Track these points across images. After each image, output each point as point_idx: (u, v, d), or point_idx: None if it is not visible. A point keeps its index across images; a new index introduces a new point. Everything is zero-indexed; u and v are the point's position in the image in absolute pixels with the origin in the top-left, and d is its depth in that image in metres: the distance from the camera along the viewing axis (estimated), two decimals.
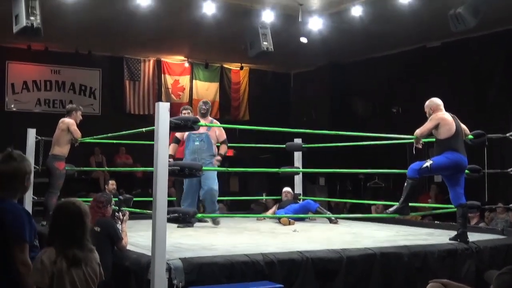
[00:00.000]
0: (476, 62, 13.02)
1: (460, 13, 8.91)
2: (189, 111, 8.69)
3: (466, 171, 6.86)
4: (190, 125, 5.47)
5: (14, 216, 3.38)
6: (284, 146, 9.66)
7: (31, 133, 8.42)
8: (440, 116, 6.59)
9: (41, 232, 4.16)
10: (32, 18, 8.82)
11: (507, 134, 7.13)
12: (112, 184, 10.00)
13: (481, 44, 12.83)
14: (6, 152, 3.54)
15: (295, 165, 9.77)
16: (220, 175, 8.50)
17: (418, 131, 6.69)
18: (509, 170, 7.16)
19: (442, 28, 10.16)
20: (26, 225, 3.38)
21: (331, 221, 8.82)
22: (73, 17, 11.00)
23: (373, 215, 9.14)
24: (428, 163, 6.51)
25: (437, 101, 6.75)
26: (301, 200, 9.62)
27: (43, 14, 9.11)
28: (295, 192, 9.84)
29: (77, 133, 8.36)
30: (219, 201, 8.91)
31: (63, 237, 3.25)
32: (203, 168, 5.69)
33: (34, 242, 3.47)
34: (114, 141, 9.32)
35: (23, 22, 8.74)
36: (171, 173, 5.19)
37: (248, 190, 9.82)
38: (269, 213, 9.65)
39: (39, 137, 8.48)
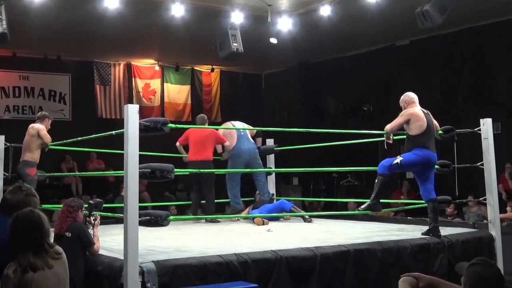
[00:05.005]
0: (444, 59, 13.20)
1: (427, 11, 9.01)
2: None
3: (436, 166, 6.93)
4: (159, 127, 5.44)
5: None
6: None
7: (0, 140, 8.30)
8: (410, 112, 6.63)
9: None
10: None
11: (475, 129, 7.22)
12: None
13: (449, 41, 13.00)
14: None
15: (267, 166, 9.79)
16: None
17: (388, 126, 6.72)
18: (479, 164, 7.24)
19: (410, 26, 10.26)
20: None
21: (305, 220, 8.84)
22: (40, 22, 10.88)
23: (346, 212, 9.20)
24: (398, 159, 6.56)
25: (411, 95, 6.79)
26: (275, 200, 9.64)
27: (9, 19, 9.00)
28: None
29: (47, 138, 8.28)
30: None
31: (20, 245, 3.24)
32: (175, 171, 5.64)
33: None
34: (85, 149, 9.19)
35: None
36: (142, 175, 5.16)
37: (222, 193, 9.83)
38: (243, 213, 9.64)
39: (8, 144, 8.35)
